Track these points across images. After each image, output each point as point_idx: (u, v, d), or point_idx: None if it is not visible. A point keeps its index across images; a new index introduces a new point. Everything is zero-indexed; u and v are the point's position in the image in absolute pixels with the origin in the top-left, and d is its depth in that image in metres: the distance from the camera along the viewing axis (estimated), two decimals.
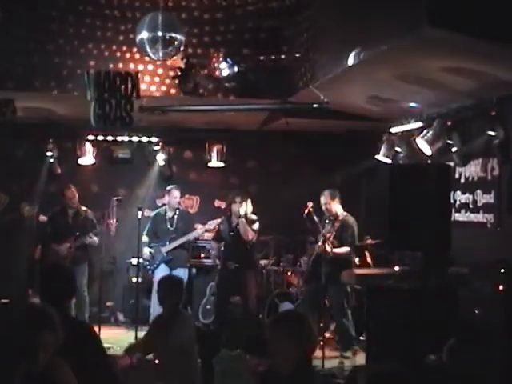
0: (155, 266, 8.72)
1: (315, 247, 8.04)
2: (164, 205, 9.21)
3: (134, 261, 8.93)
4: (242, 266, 8.17)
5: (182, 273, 8.81)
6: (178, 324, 5.37)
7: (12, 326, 3.05)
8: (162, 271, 8.73)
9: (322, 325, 7.88)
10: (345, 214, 7.98)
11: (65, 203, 8.95)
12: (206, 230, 9.02)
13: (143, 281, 8.93)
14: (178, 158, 10.12)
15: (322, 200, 7.97)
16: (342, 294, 7.84)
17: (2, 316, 3.64)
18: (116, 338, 8.16)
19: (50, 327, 3.04)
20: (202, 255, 9.44)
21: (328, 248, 7.71)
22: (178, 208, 9.01)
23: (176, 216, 8.91)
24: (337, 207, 7.97)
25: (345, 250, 7.84)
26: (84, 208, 8.94)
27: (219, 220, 8.76)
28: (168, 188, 9.00)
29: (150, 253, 8.71)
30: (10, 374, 2.93)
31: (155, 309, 8.68)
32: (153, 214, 8.90)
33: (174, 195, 8.92)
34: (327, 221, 8.01)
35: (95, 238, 8.78)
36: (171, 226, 8.88)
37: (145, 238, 8.88)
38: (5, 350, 2.98)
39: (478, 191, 6.97)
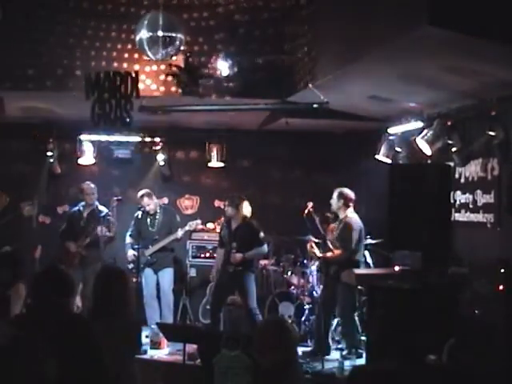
0: (140, 268, 8.58)
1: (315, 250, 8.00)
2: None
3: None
4: (242, 269, 8.13)
5: (168, 273, 8.82)
6: None
7: None
8: (147, 274, 8.75)
9: None
10: (350, 216, 7.80)
11: (83, 200, 8.88)
12: (194, 230, 9.03)
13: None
14: (178, 157, 10.12)
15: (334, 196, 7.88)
16: (349, 294, 7.64)
17: None
18: None
19: None
20: (203, 255, 9.42)
21: (318, 253, 7.79)
22: (160, 207, 8.97)
23: (158, 216, 8.87)
24: (341, 208, 7.84)
25: (336, 254, 7.72)
26: (100, 206, 8.88)
27: (198, 221, 8.73)
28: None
29: (134, 255, 8.59)
30: None
31: (149, 311, 8.69)
32: (136, 214, 8.77)
33: (145, 203, 8.78)
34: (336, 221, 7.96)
35: (108, 233, 8.64)
36: (152, 227, 8.83)
37: (128, 239, 8.85)
38: None
39: (478, 191, 6.96)
